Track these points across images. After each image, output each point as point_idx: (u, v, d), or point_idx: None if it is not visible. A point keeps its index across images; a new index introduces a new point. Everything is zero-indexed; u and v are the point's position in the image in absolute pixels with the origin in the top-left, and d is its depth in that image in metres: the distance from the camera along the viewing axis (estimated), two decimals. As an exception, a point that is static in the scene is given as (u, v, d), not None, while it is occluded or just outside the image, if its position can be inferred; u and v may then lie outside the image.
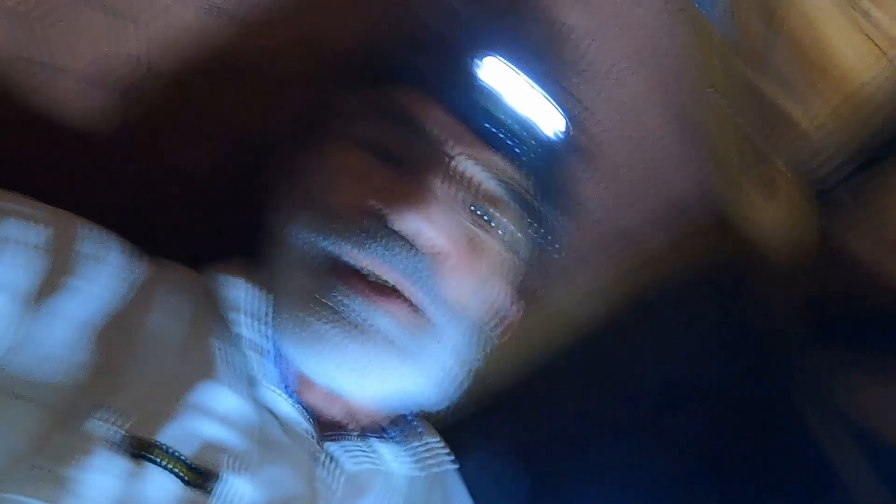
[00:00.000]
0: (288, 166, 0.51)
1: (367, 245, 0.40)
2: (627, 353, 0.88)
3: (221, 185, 0.56)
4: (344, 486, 0.42)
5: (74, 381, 0.35)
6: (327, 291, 0.40)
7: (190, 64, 0.49)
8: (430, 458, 0.47)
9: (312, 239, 0.42)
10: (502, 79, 0.44)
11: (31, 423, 0.33)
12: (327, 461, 0.42)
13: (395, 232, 0.41)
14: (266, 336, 0.43)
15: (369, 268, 0.41)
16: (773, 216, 0.75)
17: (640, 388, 0.88)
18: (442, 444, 0.49)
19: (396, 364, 0.41)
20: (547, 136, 0.46)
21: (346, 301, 0.40)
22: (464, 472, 0.54)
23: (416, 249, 0.41)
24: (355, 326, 0.40)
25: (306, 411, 0.43)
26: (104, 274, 0.41)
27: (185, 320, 0.43)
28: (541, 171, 0.46)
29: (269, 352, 0.43)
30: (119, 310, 0.40)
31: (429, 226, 0.41)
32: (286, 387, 0.43)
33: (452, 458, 0.49)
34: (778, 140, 0.65)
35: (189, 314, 0.43)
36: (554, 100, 0.46)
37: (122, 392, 0.36)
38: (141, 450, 0.33)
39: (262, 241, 0.47)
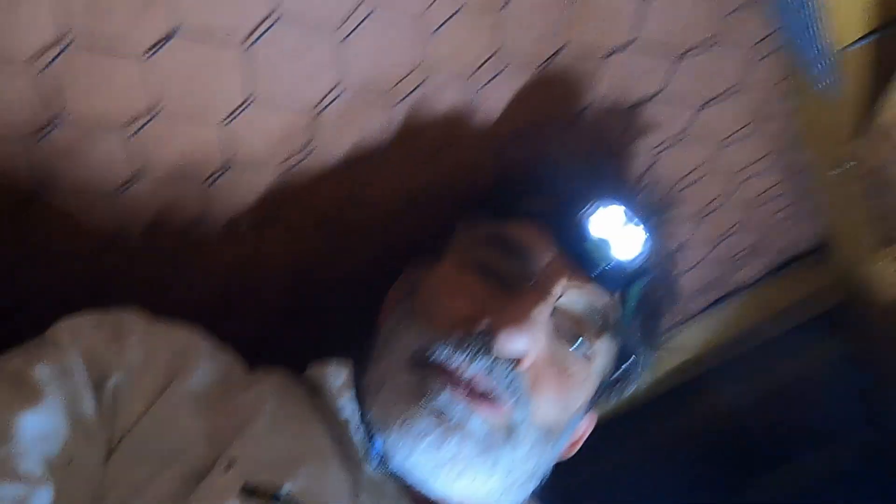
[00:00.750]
0: (407, 280, 0.54)
1: (476, 359, 0.44)
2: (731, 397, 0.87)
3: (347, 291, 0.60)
4: None
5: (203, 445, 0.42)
6: (435, 393, 0.44)
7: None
8: None
9: (424, 346, 0.46)
10: (609, 225, 0.48)
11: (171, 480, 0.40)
12: None
13: (499, 354, 0.45)
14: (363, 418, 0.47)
15: (473, 378, 0.44)
16: (892, 269, 0.72)
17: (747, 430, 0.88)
18: None
19: (486, 465, 0.45)
20: (645, 279, 0.51)
21: (450, 403, 0.44)
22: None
23: (516, 367, 0.45)
24: (456, 427, 0.43)
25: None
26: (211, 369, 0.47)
27: (294, 407, 0.48)
28: (632, 304, 0.51)
29: (367, 431, 0.47)
30: (231, 393, 0.46)
31: (530, 347, 0.45)
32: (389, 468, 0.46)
33: None
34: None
35: (297, 402, 0.48)
36: (653, 242, 0.50)
37: (245, 454, 0.41)
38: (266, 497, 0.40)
39: (366, 345, 0.51)
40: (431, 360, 0.45)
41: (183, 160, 0.45)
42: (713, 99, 0.58)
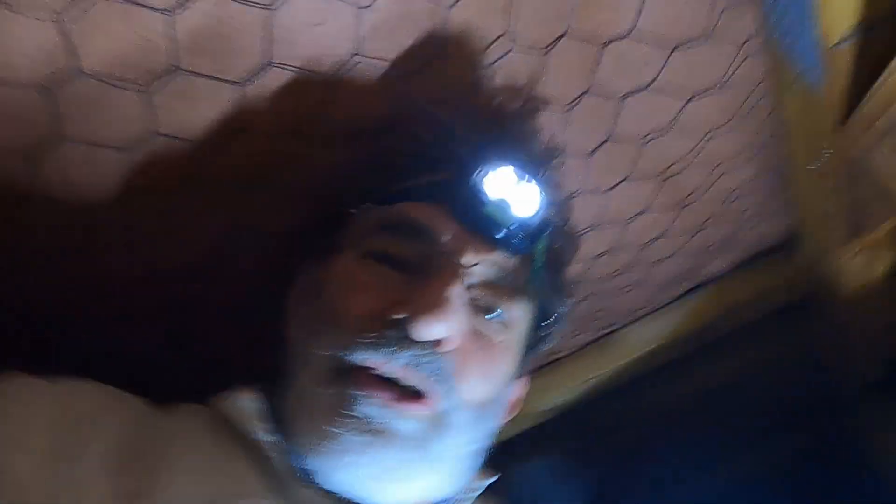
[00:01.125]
0: (306, 282, 0.52)
1: (393, 355, 0.42)
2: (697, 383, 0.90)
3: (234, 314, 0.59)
4: None
5: None
6: (353, 402, 0.41)
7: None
8: None
9: (337, 353, 0.43)
10: (503, 186, 0.47)
11: None
12: None
13: (419, 342, 0.42)
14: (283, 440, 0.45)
15: (394, 375, 0.42)
16: (858, 262, 0.76)
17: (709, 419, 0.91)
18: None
19: (422, 465, 0.43)
20: (547, 233, 0.50)
21: (372, 410, 0.41)
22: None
23: (439, 354, 0.43)
24: (383, 433, 0.41)
25: None
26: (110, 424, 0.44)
27: (203, 444, 0.45)
28: (539, 263, 0.50)
29: (290, 452, 0.44)
30: (136, 444, 0.43)
31: (449, 331, 0.42)
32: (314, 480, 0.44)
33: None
34: (876, 207, 0.66)
35: (210, 440, 0.45)
36: (548, 194, 0.49)
37: None
38: None
39: (274, 363, 0.49)
40: (348, 365, 0.43)
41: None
42: (702, 92, 0.60)
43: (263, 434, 0.44)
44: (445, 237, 0.46)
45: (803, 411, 0.91)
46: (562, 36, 0.52)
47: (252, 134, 0.48)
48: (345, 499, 0.43)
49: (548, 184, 0.49)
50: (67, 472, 0.39)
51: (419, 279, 0.44)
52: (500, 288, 0.47)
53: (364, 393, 0.41)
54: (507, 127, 0.52)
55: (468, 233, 0.46)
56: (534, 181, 0.47)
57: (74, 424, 0.42)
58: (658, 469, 0.98)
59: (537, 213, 0.47)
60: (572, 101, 0.56)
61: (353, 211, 0.50)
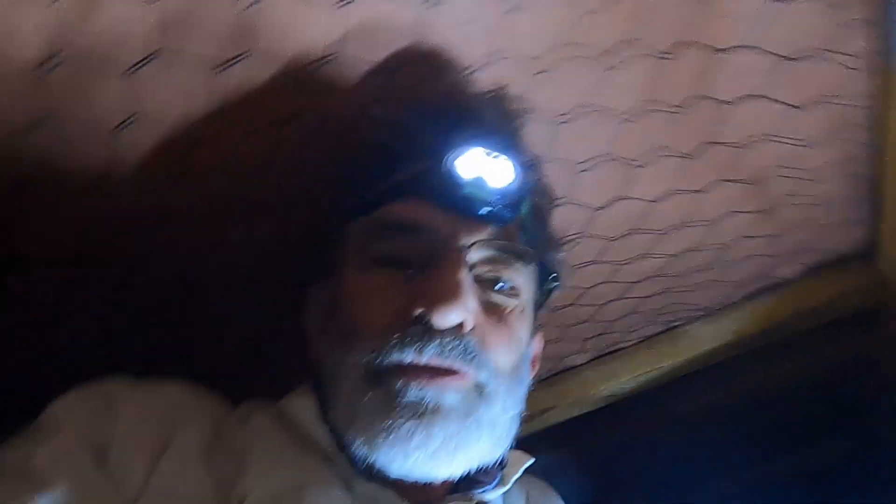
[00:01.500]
0: (316, 304, 0.55)
1: (423, 347, 0.45)
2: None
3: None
4: None
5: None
6: (401, 391, 0.45)
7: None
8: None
9: (370, 359, 0.46)
10: (469, 162, 0.49)
11: None
12: None
13: (442, 330, 0.46)
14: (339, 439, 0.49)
15: (430, 363, 0.46)
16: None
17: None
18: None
19: (472, 432, 0.46)
20: (528, 196, 0.52)
21: (419, 393, 0.45)
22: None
23: (463, 337, 0.46)
24: (434, 410, 0.45)
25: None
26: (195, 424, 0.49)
27: (275, 439, 0.50)
28: (514, 219, 0.51)
29: (349, 450, 0.48)
30: (223, 437, 0.49)
31: (466, 314, 0.46)
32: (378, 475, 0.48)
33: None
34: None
35: (282, 434, 0.50)
36: (518, 161, 0.50)
37: (252, 490, 0.45)
38: None
39: (317, 381, 0.52)
40: (384, 367, 0.46)
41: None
42: (807, 103, 0.61)
43: (324, 434, 0.49)
44: (437, 227, 0.48)
45: (855, 417, 0.92)
46: (681, 43, 0.54)
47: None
48: (401, 485, 0.48)
49: (516, 150, 0.51)
50: (169, 464, 0.45)
51: (426, 273, 0.48)
52: (499, 259, 0.50)
53: (405, 381, 0.45)
54: (467, 108, 0.53)
55: (456, 217, 0.49)
56: (502, 154, 0.49)
57: (172, 421, 0.47)
58: (700, 466, 1.00)
59: (513, 181, 0.49)
60: (680, 105, 0.59)
61: (343, 228, 0.53)
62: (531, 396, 0.55)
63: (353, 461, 0.48)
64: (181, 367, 0.53)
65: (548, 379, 0.96)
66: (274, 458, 0.47)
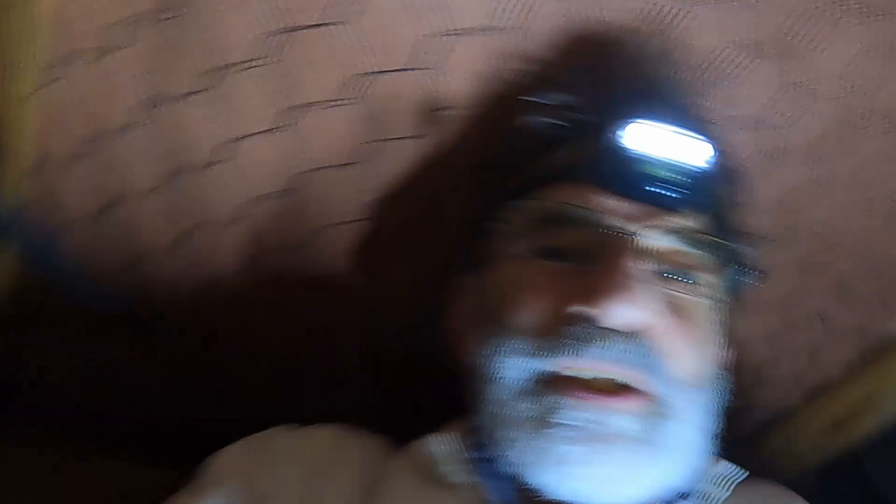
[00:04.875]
0: (465, 301, 0.51)
1: (582, 351, 0.40)
2: None
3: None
4: None
5: None
6: (556, 411, 0.40)
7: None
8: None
9: (518, 364, 0.42)
10: (643, 138, 0.43)
11: None
12: None
13: (605, 328, 0.40)
14: (479, 474, 0.46)
15: (591, 372, 0.40)
16: None
17: None
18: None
19: (648, 460, 0.41)
20: (701, 171, 0.44)
21: (579, 415, 0.39)
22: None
23: (632, 337, 0.40)
24: (597, 437, 0.39)
25: None
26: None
27: (414, 483, 0.48)
28: (708, 207, 0.45)
29: (488, 488, 0.45)
30: (369, 480, 0.48)
31: (636, 310, 0.40)
32: None
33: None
34: None
35: (415, 479, 0.48)
36: (696, 133, 0.44)
37: None
38: None
39: (464, 391, 0.48)
40: (542, 373, 0.41)
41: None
42: None
43: (459, 475, 0.46)
44: (605, 212, 0.43)
45: None
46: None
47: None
48: None
49: (698, 130, 0.44)
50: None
51: (592, 265, 0.42)
52: (679, 250, 0.44)
53: (569, 397, 0.40)
54: (635, 81, 0.48)
55: (626, 200, 0.43)
56: (678, 128, 0.43)
57: (324, 469, 0.48)
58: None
59: (689, 161, 0.43)
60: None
61: (498, 215, 0.48)
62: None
63: (495, 498, 0.44)
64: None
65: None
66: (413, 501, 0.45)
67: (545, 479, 0.41)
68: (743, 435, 0.71)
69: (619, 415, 0.40)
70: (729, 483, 0.47)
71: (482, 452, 0.45)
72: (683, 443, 0.42)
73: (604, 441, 0.39)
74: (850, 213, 0.55)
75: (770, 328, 0.63)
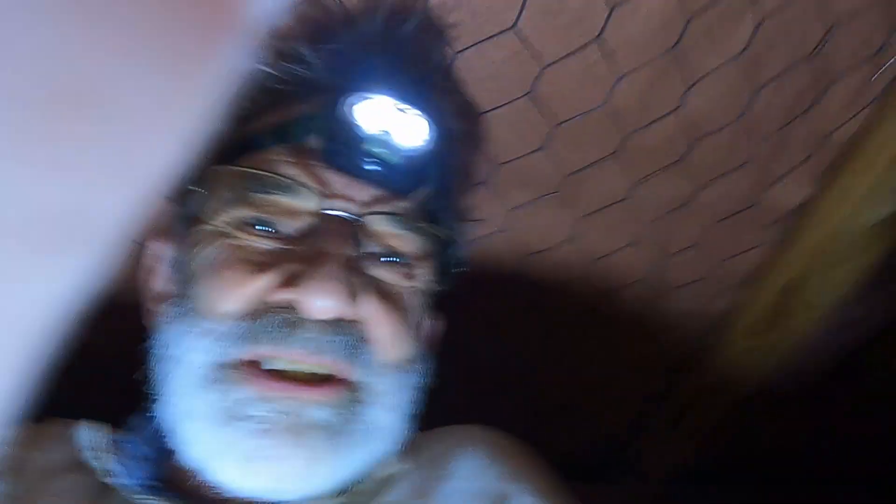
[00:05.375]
0: (156, 262, 0.45)
1: (283, 340, 0.36)
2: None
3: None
4: None
5: None
6: (245, 402, 0.35)
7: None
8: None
9: (208, 348, 0.37)
10: (371, 112, 0.39)
11: None
12: None
13: (311, 321, 0.36)
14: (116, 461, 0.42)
15: (288, 363, 0.37)
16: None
17: None
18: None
19: (340, 450, 0.37)
20: (424, 151, 0.41)
21: (270, 406, 0.35)
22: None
23: (338, 327, 0.37)
24: (288, 430, 0.35)
25: None
26: None
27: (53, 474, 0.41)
28: (428, 190, 0.43)
29: (121, 473, 0.41)
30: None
31: (344, 301, 0.36)
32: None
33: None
34: None
35: (56, 466, 0.42)
36: (435, 122, 0.41)
37: None
38: None
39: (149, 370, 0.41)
40: (233, 360, 0.36)
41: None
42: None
43: (97, 462, 0.41)
44: (322, 186, 0.39)
45: None
46: None
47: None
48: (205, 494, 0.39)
49: (434, 110, 0.41)
50: None
51: (303, 245, 0.38)
52: (396, 234, 0.41)
53: (260, 388, 0.36)
54: (383, 49, 0.44)
55: (348, 177, 0.39)
56: (417, 109, 0.40)
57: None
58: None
59: (426, 143, 0.40)
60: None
61: (208, 175, 0.41)
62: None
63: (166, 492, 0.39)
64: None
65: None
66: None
67: (229, 474, 0.36)
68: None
69: (313, 406, 0.36)
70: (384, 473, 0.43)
71: (127, 438, 0.43)
72: (381, 427, 0.40)
73: (295, 434, 0.35)
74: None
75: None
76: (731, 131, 0.57)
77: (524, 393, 0.73)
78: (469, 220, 0.53)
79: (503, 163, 0.54)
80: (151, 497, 0.39)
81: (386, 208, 0.40)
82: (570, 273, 0.63)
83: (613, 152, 0.55)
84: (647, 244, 0.63)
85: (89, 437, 0.42)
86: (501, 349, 0.68)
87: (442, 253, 0.45)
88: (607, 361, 0.72)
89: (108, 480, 0.40)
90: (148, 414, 0.41)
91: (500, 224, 0.58)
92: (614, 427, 0.80)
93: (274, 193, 0.38)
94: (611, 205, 0.59)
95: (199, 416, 0.36)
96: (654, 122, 0.54)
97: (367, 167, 0.38)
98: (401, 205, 0.41)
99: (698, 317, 0.70)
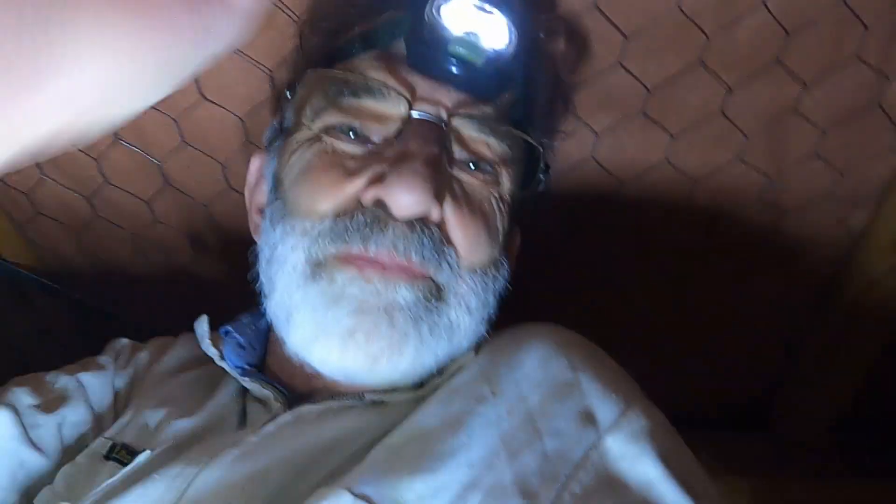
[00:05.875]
0: (261, 171, 0.50)
1: (372, 238, 0.39)
2: None
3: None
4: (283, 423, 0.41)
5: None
6: (343, 286, 0.39)
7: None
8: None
9: (315, 244, 0.40)
10: (463, 19, 0.40)
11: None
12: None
13: (397, 221, 0.39)
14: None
15: (382, 255, 0.39)
16: None
17: None
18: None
19: (427, 339, 0.40)
20: (512, 55, 0.41)
21: (370, 287, 0.38)
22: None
23: (423, 229, 0.39)
24: (383, 310, 0.38)
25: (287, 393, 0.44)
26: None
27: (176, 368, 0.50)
28: (511, 94, 0.43)
29: (228, 357, 0.47)
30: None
31: (431, 204, 0.39)
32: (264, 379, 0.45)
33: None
34: None
35: (177, 365, 0.51)
36: (518, 25, 0.41)
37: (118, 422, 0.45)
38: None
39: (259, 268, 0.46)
40: (330, 255, 0.40)
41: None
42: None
43: (210, 349, 0.47)
44: (408, 90, 0.41)
45: None
46: None
47: None
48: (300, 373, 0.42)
49: (518, 14, 0.41)
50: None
51: (389, 148, 0.41)
52: (479, 139, 0.43)
53: (351, 274, 0.39)
54: None
55: (433, 81, 0.41)
56: (500, 10, 0.40)
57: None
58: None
59: (512, 45, 0.41)
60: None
61: (299, 83, 0.45)
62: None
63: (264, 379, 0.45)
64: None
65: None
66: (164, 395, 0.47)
67: (329, 353, 0.39)
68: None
69: (403, 287, 0.39)
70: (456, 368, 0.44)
71: (234, 329, 0.49)
72: (459, 326, 0.42)
73: (388, 313, 0.39)
74: None
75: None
76: (834, 19, 0.52)
77: (634, 344, 0.71)
78: (556, 137, 0.54)
79: (582, 82, 0.55)
80: (254, 379, 0.44)
81: (471, 112, 0.42)
82: (671, 199, 0.61)
83: (698, 60, 0.53)
84: (757, 157, 0.59)
85: (203, 329, 0.49)
86: (603, 291, 0.67)
87: (526, 161, 0.47)
88: (727, 299, 0.67)
89: (220, 364, 0.46)
90: (256, 311, 0.48)
91: (590, 150, 0.58)
92: (752, 372, 0.75)
93: (363, 97, 0.41)
94: (706, 118, 0.57)
95: (305, 305, 0.40)
96: (738, 19, 0.52)
97: (451, 70, 0.41)
98: (485, 109, 0.42)
99: (829, 239, 0.64)
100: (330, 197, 0.40)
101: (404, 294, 0.39)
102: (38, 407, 0.44)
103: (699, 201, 0.61)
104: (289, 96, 0.46)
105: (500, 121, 0.43)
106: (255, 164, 0.50)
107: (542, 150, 0.46)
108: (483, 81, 0.41)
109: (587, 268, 0.65)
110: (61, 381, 0.47)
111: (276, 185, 0.45)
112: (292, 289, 0.41)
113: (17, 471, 0.43)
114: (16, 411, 0.43)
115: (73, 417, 0.46)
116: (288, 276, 0.41)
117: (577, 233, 0.63)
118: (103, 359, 0.51)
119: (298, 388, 0.44)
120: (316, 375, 0.42)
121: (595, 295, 0.67)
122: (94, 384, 0.48)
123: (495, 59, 0.41)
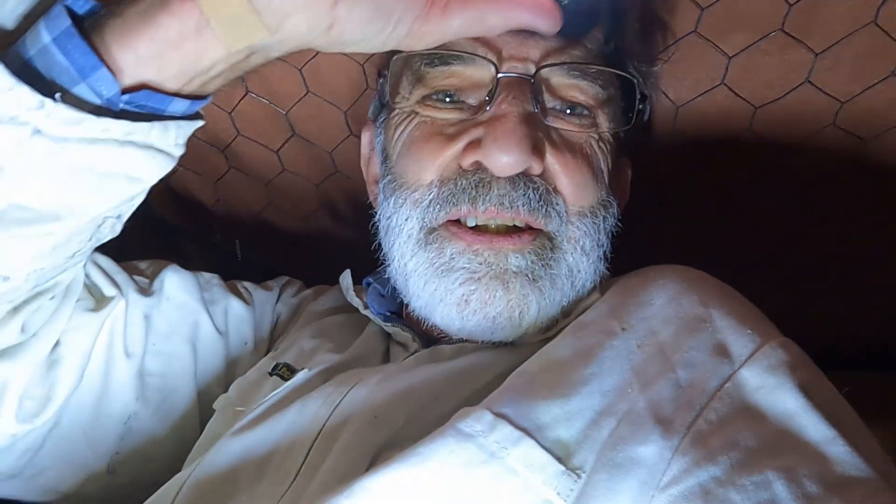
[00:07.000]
0: (371, 146, 0.53)
1: (478, 200, 0.41)
2: None
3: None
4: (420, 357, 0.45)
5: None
6: (459, 256, 0.41)
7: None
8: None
9: (424, 213, 0.43)
10: None
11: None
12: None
13: (500, 178, 0.41)
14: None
15: (486, 220, 0.42)
16: None
17: None
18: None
19: (542, 292, 0.42)
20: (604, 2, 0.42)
21: (480, 258, 0.41)
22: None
23: (527, 183, 0.41)
24: (495, 278, 0.41)
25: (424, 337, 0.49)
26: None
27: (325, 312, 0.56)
28: (600, 30, 0.44)
29: (371, 305, 0.52)
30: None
31: (529, 159, 0.40)
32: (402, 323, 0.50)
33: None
34: None
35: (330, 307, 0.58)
36: None
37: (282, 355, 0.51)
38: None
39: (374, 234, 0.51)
40: (442, 220, 0.43)
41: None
42: None
43: (353, 299, 0.53)
44: (496, 46, 0.42)
45: None
46: None
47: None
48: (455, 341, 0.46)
49: None
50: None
51: (483, 109, 0.42)
52: (571, 84, 0.43)
53: (461, 245, 0.41)
54: None
55: (517, 36, 0.42)
56: None
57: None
58: None
59: None
60: None
61: (393, 60, 0.47)
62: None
63: (404, 325, 0.49)
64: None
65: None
66: (318, 329, 0.53)
67: (449, 318, 0.42)
68: None
69: (512, 255, 0.41)
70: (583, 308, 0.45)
71: (374, 280, 0.53)
72: (578, 270, 0.44)
73: (500, 280, 0.41)
74: None
75: None
76: None
77: (775, 278, 0.68)
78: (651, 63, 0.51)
79: (709, 5, 0.51)
80: (395, 324, 0.49)
81: (559, 59, 0.42)
82: (816, 123, 0.56)
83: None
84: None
85: (348, 282, 0.54)
86: (731, 229, 0.64)
87: (624, 94, 0.47)
88: (872, 232, 0.62)
89: (363, 312, 0.51)
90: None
91: (722, 75, 0.54)
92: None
93: (453, 64, 0.44)
94: (854, 32, 0.51)
95: (420, 272, 0.43)
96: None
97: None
98: (574, 52, 0.43)
99: None
100: (433, 166, 0.44)
101: (514, 261, 0.41)
102: (217, 286, 0.54)
103: (846, 126, 0.56)
104: (385, 72, 0.48)
105: (591, 61, 0.44)
106: (366, 137, 0.54)
107: (637, 81, 0.46)
108: (569, 20, 0.40)
109: (714, 204, 0.62)
110: (232, 283, 0.57)
111: (385, 159, 0.49)
112: (406, 257, 0.44)
113: (194, 329, 0.51)
114: (199, 285, 0.52)
115: (237, 311, 0.54)
116: (403, 244, 0.44)
117: (708, 164, 0.59)
118: (273, 283, 0.60)
119: (434, 334, 0.48)
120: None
121: (724, 234, 0.64)
122: (261, 297, 0.57)
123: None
